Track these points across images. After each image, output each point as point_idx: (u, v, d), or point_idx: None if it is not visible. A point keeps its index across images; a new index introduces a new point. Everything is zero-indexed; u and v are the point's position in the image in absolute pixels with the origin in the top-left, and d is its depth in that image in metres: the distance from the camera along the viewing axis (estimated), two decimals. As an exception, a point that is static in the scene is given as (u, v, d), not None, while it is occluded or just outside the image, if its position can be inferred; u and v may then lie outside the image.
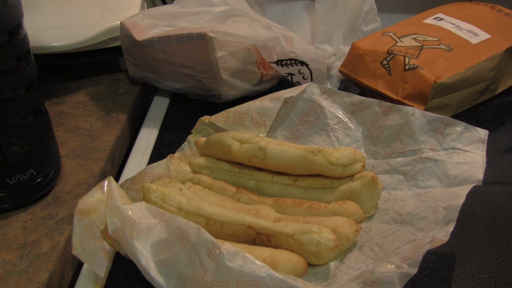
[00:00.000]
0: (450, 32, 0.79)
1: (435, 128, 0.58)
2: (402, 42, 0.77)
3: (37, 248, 0.54)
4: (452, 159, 0.55)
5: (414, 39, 0.77)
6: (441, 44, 0.76)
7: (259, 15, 0.82)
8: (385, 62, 0.75)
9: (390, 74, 0.74)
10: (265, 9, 0.95)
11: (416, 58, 0.73)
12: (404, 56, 0.73)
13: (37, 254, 0.53)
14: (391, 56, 0.74)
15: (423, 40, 0.77)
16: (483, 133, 0.56)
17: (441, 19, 0.83)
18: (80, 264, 0.57)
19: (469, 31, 0.79)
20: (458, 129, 0.57)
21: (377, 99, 0.65)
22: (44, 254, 0.53)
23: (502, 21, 0.82)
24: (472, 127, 0.57)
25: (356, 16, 0.88)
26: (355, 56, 0.79)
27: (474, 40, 0.77)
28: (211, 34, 0.70)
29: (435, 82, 0.69)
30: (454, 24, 0.81)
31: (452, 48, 0.75)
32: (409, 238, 0.47)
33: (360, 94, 0.77)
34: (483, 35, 0.78)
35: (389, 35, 0.79)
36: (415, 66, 0.71)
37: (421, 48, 0.74)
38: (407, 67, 0.72)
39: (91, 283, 0.52)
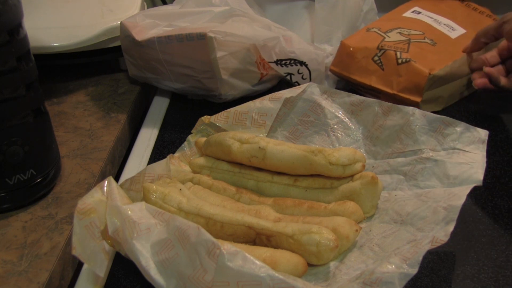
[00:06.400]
0: (430, 26, 0.81)
1: (435, 128, 0.58)
2: (389, 37, 0.78)
3: (37, 248, 0.54)
4: (452, 159, 0.55)
5: (400, 33, 0.79)
6: (426, 38, 0.77)
7: (259, 15, 0.82)
8: (376, 58, 0.76)
9: (383, 69, 0.75)
10: (265, 9, 0.95)
11: (407, 52, 0.75)
12: (395, 50, 0.75)
13: (37, 254, 0.53)
14: (382, 51, 0.76)
15: (409, 34, 0.78)
16: (483, 133, 0.56)
17: (419, 12, 0.85)
18: (80, 264, 0.57)
19: (446, 25, 0.81)
20: (458, 129, 0.57)
21: (371, 94, 0.65)
22: (44, 254, 0.53)
23: (472, 16, 0.85)
24: (472, 127, 0.57)
25: (356, 16, 0.88)
26: (345, 54, 0.80)
27: (453, 35, 0.80)
28: (211, 34, 0.70)
29: (429, 74, 0.71)
30: (432, 18, 0.83)
31: (436, 43, 0.77)
32: (409, 238, 0.47)
33: (353, 90, 0.78)
34: (459, 30, 0.81)
35: (375, 31, 0.80)
36: (407, 59, 0.73)
37: (409, 42, 0.76)
38: (399, 61, 0.74)
39: (91, 283, 0.52)
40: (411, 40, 0.76)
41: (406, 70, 0.73)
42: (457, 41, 0.78)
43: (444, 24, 0.81)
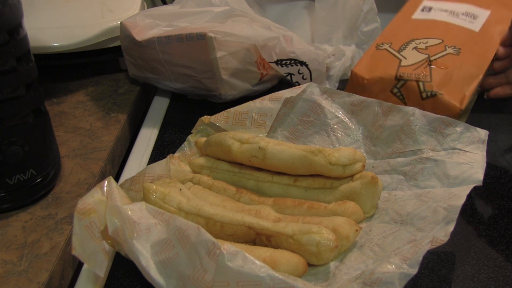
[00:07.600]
0: (447, 25, 0.70)
1: (435, 128, 0.58)
2: (406, 58, 0.67)
3: (37, 248, 0.54)
4: (452, 159, 0.55)
5: (416, 48, 0.69)
6: (447, 48, 0.68)
7: (259, 15, 0.82)
8: (395, 90, 0.67)
9: (405, 103, 0.65)
10: (265, 9, 0.95)
11: (431, 80, 0.64)
12: (417, 80, 0.65)
13: (37, 254, 0.53)
14: (401, 82, 0.66)
15: (426, 48, 0.68)
16: (483, 133, 0.56)
17: (430, 8, 0.74)
18: (80, 264, 0.57)
19: (465, 14, 0.70)
20: (458, 129, 0.57)
21: None
22: (44, 254, 0.53)
23: None
24: (472, 127, 0.57)
25: (356, 16, 0.88)
26: (358, 86, 0.70)
27: (476, 26, 0.69)
28: (211, 34, 0.70)
29: (460, 110, 0.63)
30: (446, 10, 0.72)
31: (460, 49, 0.67)
32: (409, 238, 0.47)
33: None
34: (482, 14, 0.69)
35: (386, 49, 0.70)
36: (433, 93, 0.64)
37: (429, 62, 0.66)
38: (424, 94, 0.64)
39: (91, 283, 0.52)
40: (431, 58, 0.66)
41: (433, 106, 0.63)
42: (483, 33, 0.67)
43: (463, 14, 0.69)
